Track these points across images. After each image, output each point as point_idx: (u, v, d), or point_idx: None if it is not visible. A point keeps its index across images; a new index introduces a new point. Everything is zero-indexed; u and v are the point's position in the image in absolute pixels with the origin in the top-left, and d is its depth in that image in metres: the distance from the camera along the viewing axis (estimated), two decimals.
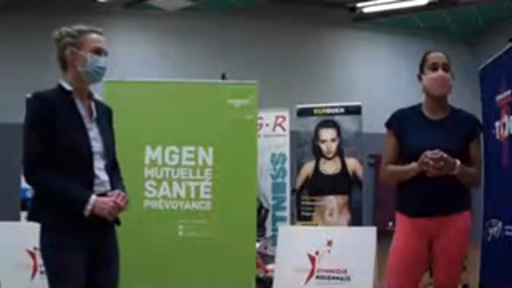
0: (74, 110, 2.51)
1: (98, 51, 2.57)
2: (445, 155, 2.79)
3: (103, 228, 2.52)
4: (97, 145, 2.54)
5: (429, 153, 2.80)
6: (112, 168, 2.66)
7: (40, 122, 2.42)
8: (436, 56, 3.02)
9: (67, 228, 2.41)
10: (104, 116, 2.68)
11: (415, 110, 3.09)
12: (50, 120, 2.41)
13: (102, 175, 2.53)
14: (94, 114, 2.59)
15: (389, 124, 3.12)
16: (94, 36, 2.58)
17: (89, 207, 2.41)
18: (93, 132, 2.55)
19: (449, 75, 3.00)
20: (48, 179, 2.42)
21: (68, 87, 2.53)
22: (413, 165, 2.88)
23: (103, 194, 2.50)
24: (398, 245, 3.01)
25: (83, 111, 2.55)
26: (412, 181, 2.92)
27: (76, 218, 2.41)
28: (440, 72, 2.97)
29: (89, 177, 2.48)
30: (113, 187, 2.56)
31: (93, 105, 2.62)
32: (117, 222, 2.62)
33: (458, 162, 2.83)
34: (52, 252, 2.43)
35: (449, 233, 2.90)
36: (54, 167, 2.41)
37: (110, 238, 2.61)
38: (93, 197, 2.43)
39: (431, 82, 2.99)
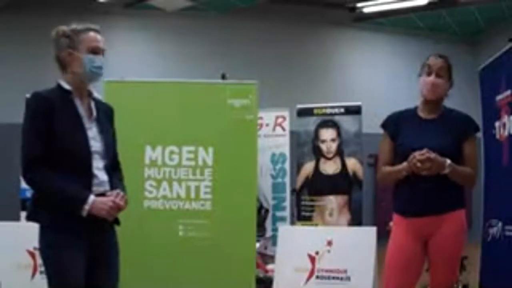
0: (73, 110, 2.50)
1: (95, 51, 2.54)
2: (433, 155, 2.81)
3: (103, 228, 2.50)
4: (96, 145, 2.52)
5: (417, 153, 2.83)
6: (113, 168, 2.64)
7: (39, 121, 2.41)
8: (433, 60, 3.04)
9: (66, 228, 2.40)
10: (105, 115, 2.66)
11: (411, 112, 3.13)
12: (49, 120, 2.40)
13: (101, 175, 2.51)
14: (94, 113, 2.57)
15: (384, 126, 3.16)
16: (90, 35, 2.54)
17: (87, 207, 2.39)
18: (92, 132, 2.53)
19: (442, 81, 3.01)
20: (46, 179, 2.40)
21: (67, 86, 2.51)
22: (404, 165, 2.91)
23: (102, 194, 2.48)
24: (394, 245, 3.04)
25: (82, 110, 2.53)
26: (405, 181, 2.95)
27: (75, 218, 2.40)
28: (432, 77, 3.00)
29: (88, 177, 2.46)
30: (112, 187, 2.54)
31: (92, 104, 2.59)
32: (117, 222, 2.61)
33: (448, 161, 2.84)
34: (51, 252, 2.43)
35: (442, 232, 2.92)
36: (52, 167, 2.39)
37: (110, 238, 2.60)
38: (91, 197, 2.41)
39: (422, 85, 3.04)
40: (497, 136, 4.07)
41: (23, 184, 6.09)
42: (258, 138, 5.29)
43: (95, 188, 2.48)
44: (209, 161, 4.73)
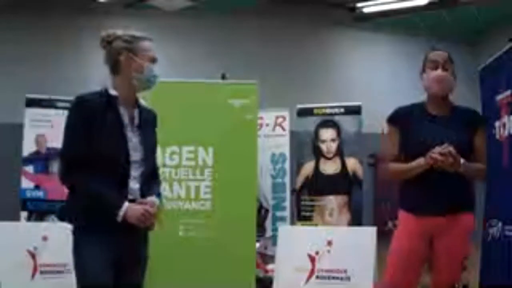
0: (116, 117, 2.49)
1: (154, 60, 2.55)
2: (454, 151, 2.77)
3: (134, 229, 2.49)
4: (135, 155, 2.52)
5: (438, 148, 2.78)
6: (152, 174, 2.66)
7: (78, 128, 2.43)
8: (437, 54, 3.00)
9: (96, 228, 2.42)
10: (148, 121, 2.65)
11: (419, 108, 3.06)
12: (88, 125, 2.41)
13: (133, 183, 2.52)
14: (136, 121, 2.56)
15: (392, 120, 3.07)
16: (148, 43, 2.55)
17: (121, 213, 2.41)
18: (133, 142, 2.53)
19: (448, 74, 2.97)
20: (83, 182, 2.43)
21: (113, 92, 2.50)
22: (420, 161, 2.85)
23: (132, 201, 2.49)
24: (399, 243, 2.99)
25: (126, 118, 2.52)
26: (416, 179, 2.89)
27: (106, 219, 2.42)
28: (439, 71, 2.95)
29: (124, 185, 2.48)
30: (143, 195, 2.54)
31: (136, 112, 2.58)
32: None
33: (462, 160, 2.80)
34: (78, 250, 2.46)
35: (451, 233, 2.89)
36: (91, 171, 2.41)
37: (140, 240, 2.61)
38: (126, 204, 2.43)
39: (429, 81, 2.97)
40: (497, 136, 4.06)
41: (23, 184, 6.10)
42: (258, 138, 5.30)
43: (128, 196, 2.50)
44: (209, 161, 4.74)
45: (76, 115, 2.45)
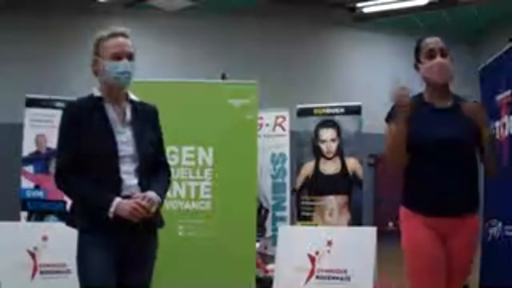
0: (102, 116, 2.51)
1: (116, 57, 2.53)
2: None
3: (135, 231, 2.48)
4: (127, 149, 2.52)
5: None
6: (155, 169, 2.66)
7: (67, 132, 2.49)
8: (432, 41, 2.85)
9: (96, 230, 2.43)
10: (146, 117, 2.67)
11: (417, 100, 2.85)
12: (77, 129, 2.46)
13: (128, 179, 2.51)
14: (128, 117, 2.57)
15: (391, 116, 2.84)
16: (112, 41, 2.54)
17: (111, 209, 2.40)
18: (124, 136, 2.53)
19: (448, 61, 2.81)
20: (73, 185, 2.47)
21: (97, 93, 2.56)
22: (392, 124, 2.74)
23: (128, 197, 2.47)
24: (418, 247, 2.78)
25: (114, 115, 2.54)
26: (424, 180, 2.75)
27: (105, 220, 2.42)
28: (438, 58, 2.79)
29: (116, 181, 2.48)
30: (143, 190, 2.52)
31: (128, 108, 2.60)
32: (159, 225, 2.69)
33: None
34: (79, 250, 2.47)
35: (463, 235, 2.75)
36: (82, 172, 2.45)
37: (145, 242, 2.61)
38: (117, 199, 2.42)
39: (430, 71, 2.80)
40: (497, 136, 4.07)
41: (23, 184, 6.10)
42: (258, 138, 5.30)
43: (123, 192, 2.48)
44: (209, 161, 4.73)
45: (64, 120, 2.52)
